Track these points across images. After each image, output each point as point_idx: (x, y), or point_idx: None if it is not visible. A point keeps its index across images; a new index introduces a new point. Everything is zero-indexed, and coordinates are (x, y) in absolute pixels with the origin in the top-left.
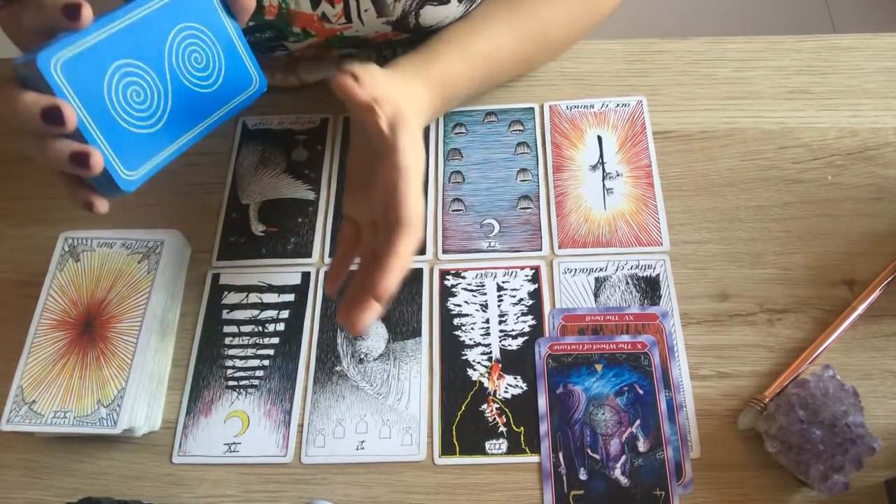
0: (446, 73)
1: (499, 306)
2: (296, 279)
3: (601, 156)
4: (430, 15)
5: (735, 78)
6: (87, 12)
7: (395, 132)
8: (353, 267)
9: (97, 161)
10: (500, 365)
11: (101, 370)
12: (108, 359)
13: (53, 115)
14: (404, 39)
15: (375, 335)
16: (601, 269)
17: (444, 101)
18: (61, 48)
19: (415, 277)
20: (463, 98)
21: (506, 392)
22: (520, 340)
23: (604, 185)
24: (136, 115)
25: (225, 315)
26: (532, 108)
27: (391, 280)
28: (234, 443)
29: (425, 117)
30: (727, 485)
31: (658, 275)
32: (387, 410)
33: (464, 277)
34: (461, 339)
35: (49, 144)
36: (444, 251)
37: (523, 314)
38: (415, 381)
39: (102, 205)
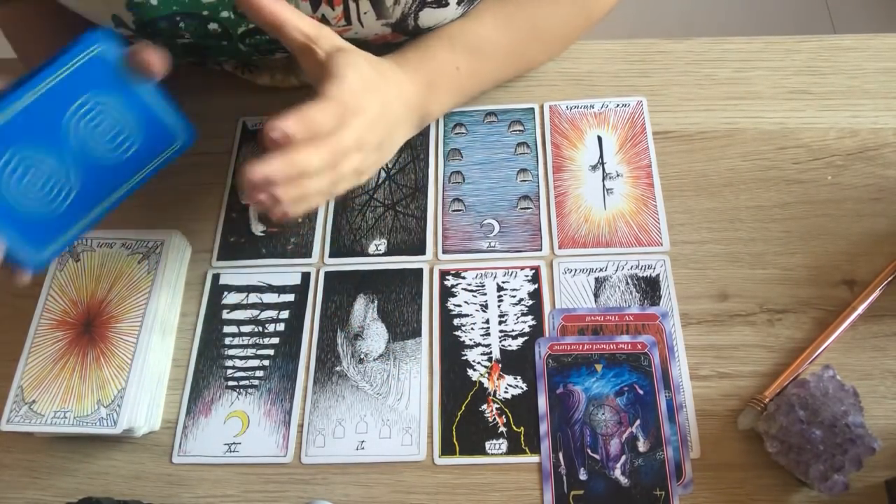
0: (426, 55)
1: (499, 306)
2: (296, 279)
3: (601, 156)
4: (429, 17)
5: (735, 78)
6: None
7: (335, 66)
8: None
9: None
10: (500, 365)
11: (101, 370)
12: (108, 359)
13: None
14: (404, 42)
15: (375, 335)
16: (601, 270)
17: (428, 84)
18: None
19: (415, 277)
20: (454, 89)
21: (506, 392)
22: (520, 340)
23: (604, 186)
24: (38, 198)
25: (225, 315)
26: (532, 109)
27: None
28: (234, 443)
29: (409, 96)
30: (727, 485)
31: (658, 275)
32: (387, 410)
33: (464, 277)
34: (461, 340)
35: None
36: (444, 251)
37: (523, 314)
38: (415, 381)
39: (21, 279)
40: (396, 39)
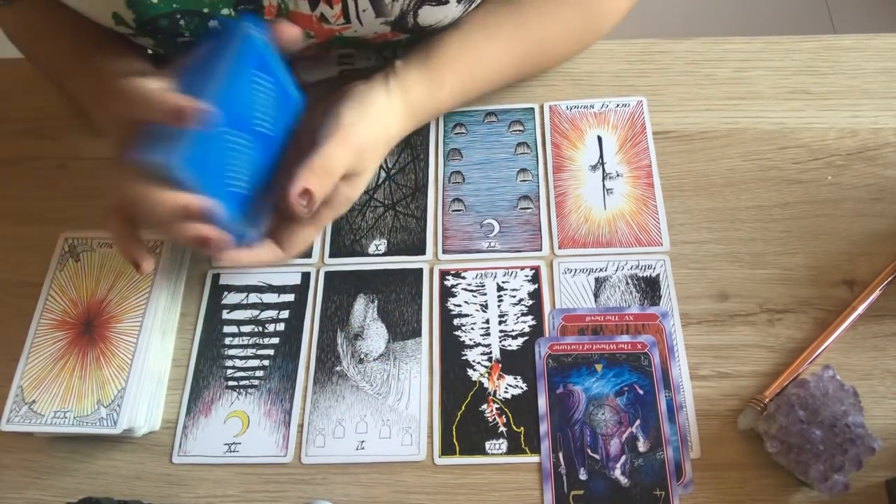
0: (439, 106)
1: (499, 306)
2: (296, 279)
3: (601, 156)
4: (429, 15)
5: (735, 78)
6: (205, 116)
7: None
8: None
9: (219, 245)
10: (500, 365)
11: (101, 370)
12: (108, 359)
13: (194, 213)
14: (403, 40)
15: (375, 335)
16: (601, 270)
17: (419, 122)
18: (180, 145)
19: (415, 277)
20: (449, 107)
21: (506, 392)
22: (520, 340)
23: (604, 186)
24: (242, 177)
25: (225, 315)
26: (532, 109)
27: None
28: (234, 443)
29: (391, 145)
30: (727, 485)
31: (658, 275)
32: (387, 410)
33: (464, 277)
34: (461, 340)
35: (175, 227)
36: (444, 251)
37: (523, 314)
38: (415, 381)
39: (220, 251)
40: (396, 37)
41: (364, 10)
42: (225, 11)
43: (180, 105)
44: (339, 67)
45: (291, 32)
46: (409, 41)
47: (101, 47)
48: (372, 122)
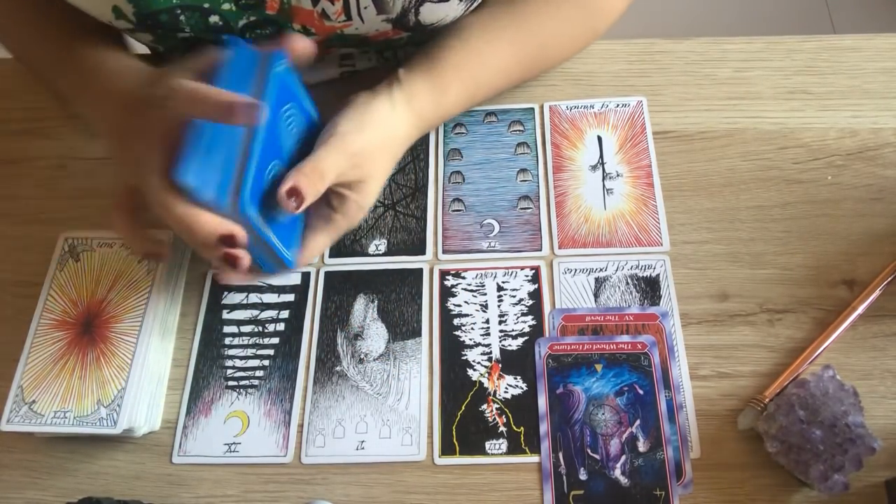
0: (445, 112)
1: (499, 306)
2: (296, 279)
3: (601, 156)
4: (430, 13)
5: (735, 78)
6: (261, 114)
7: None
8: None
9: (245, 265)
10: (500, 365)
11: (101, 370)
12: (108, 359)
13: (231, 241)
14: (405, 39)
15: (375, 335)
16: (601, 270)
17: (425, 129)
18: (243, 182)
19: (415, 277)
20: (450, 114)
21: (506, 392)
22: (520, 340)
23: (604, 186)
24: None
25: (225, 315)
26: (532, 109)
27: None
28: (234, 443)
29: (398, 153)
30: (727, 485)
31: (658, 275)
32: (387, 410)
33: (464, 277)
34: (461, 339)
35: (209, 249)
36: (444, 251)
37: (523, 314)
38: (415, 381)
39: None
40: (397, 35)
41: (366, 7)
42: (226, 6)
43: (230, 100)
44: (339, 69)
45: (305, 47)
46: (410, 40)
47: (90, 43)
48: (370, 130)
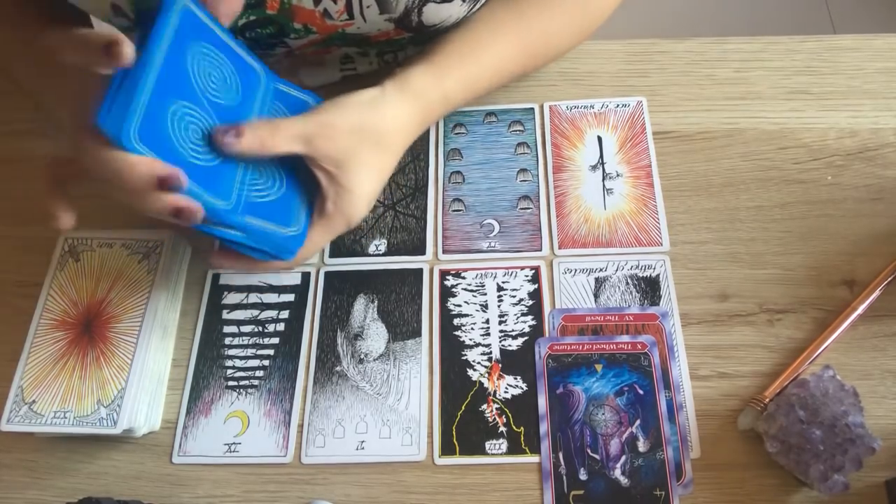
0: (446, 97)
1: (499, 306)
2: (296, 279)
3: (601, 156)
4: (433, 13)
5: (735, 78)
6: (128, 50)
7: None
8: None
9: (196, 216)
10: (500, 365)
11: (101, 370)
12: (108, 359)
13: (168, 183)
14: (406, 39)
15: (375, 335)
16: (601, 270)
17: (428, 111)
18: (129, 114)
19: (415, 277)
20: (452, 108)
21: (506, 392)
22: (520, 340)
23: (604, 186)
24: (202, 150)
25: (225, 315)
26: (532, 109)
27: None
28: (234, 443)
29: (404, 144)
30: (727, 485)
31: (658, 275)
32: (387, 410)
33: (464, 277)
34: (461, 340)
35: (150, 198)
36: (445, 251)
37: (523, 314)
38: (415, 381)
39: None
40: (399, 36)
41: (368, 7)
42: None
43: (103, 40)
44: (341, 73)
45: (229, 4)
46: (412, 41)
47: (47, 25)
48: (347, 109)
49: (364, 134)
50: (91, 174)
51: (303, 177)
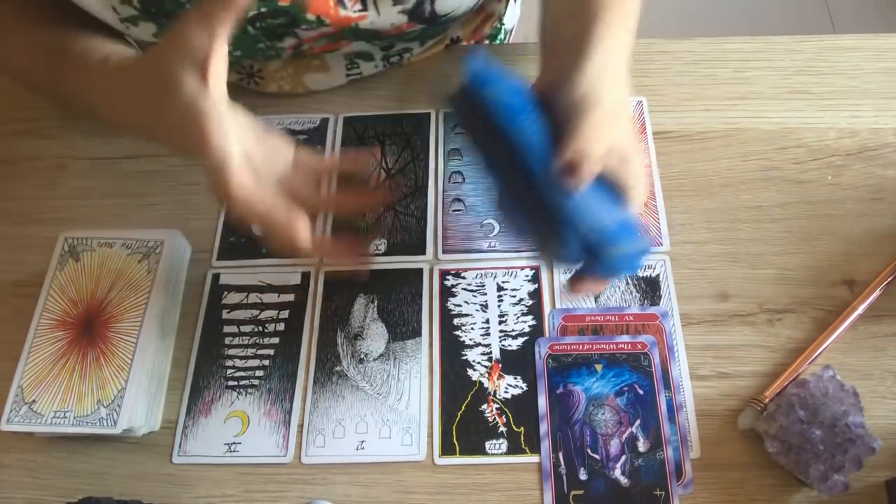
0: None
1: (499, 306)
2: (296, 279)
3: None
4: (446, 2)
5: (735, 78)
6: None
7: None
8: None
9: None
10: (500, 365)
11: (101, 370)
12: (108, 359)
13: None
14: (417, 33)
15: (375, 335)
16: None
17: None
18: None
19: (415, 277)
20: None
21: (506, 392)
22: (520, 340)
23: None
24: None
25: (225, 315)
26: None
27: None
28: (234, 443)
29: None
30: (727, 485)
31: (658, 275)
32: (387, 410)
33: (464, 277)
34: (461, 339)
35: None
36: (445, 251)
37: (523, 314)
38: (415, 381)
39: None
40: (411, 28)
41: None
42: None
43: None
44: (347, 77)
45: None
46: (422, 33)
47: (91, 45)
48: (600, 106)
49: (615, 111)
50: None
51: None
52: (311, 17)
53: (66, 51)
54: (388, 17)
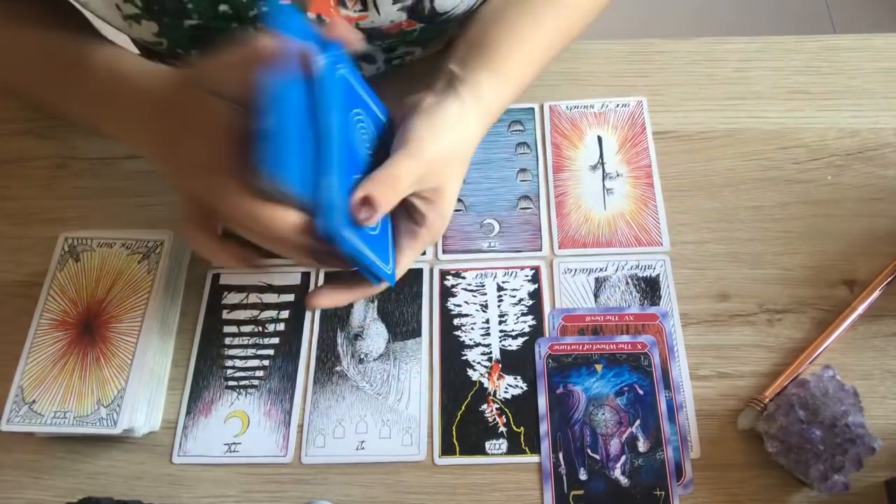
0: (507, 102)
1: (499, 306)
2: (296, 279)
3: (601, 156)
4: (446, 0)
5: (735, 78)
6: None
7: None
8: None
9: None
10: (500, 365)
11: (101, 370)
12: (108, 359)
13: (335, 265)
14: (417, 33)
15: (375, 335)
16: (601, 270)
17: (491, 123)
18: (335, 205)
19: (415, 277)
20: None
21: (506, 392)
22: (520, 340)
23: (604, 186)
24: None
25: (225, 315)
26: (532, 109)
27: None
28: (234, 443)
29: (470, 153)
30: (727, 485)
31: (658, 275)
32: (387, 410)
33: (464, 277)
34: (461, 339)
35: (287, 247)
36: (445, 251)
37: (523, 314)
38: (415, 381)
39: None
40: (411, 27)
41: None
42: None
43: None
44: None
45: (349, 37)
46: (421, 34)
47: (98, 58)
48: (445, 133)
49: (457, 157)
50: (225, 219)
51: None
52: (311, 16)
53: (52, 46)
54: (388, 14)
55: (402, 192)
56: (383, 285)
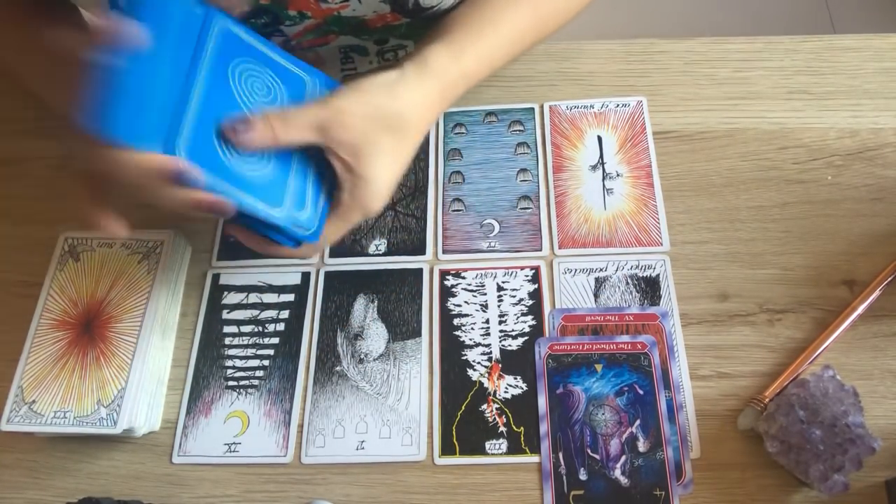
0: (466, 73)
1: (499, 306)
2: (296, 279)
3: (601, 156)
4: None
5: (735, 78)
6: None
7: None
8: None
9: (226, 209)
10: (500, 365)
11: (101, 370)
12: (108, 359)
13: (182, 178)
14: (404, 27)
15: (375, 335)
16: (601, 270)
17: (448, 91)
18: (177, 129)
19: (415, 277)
20: (472, 86)
21: (506, 392)
22: (520, 340)
23: (604, 186)
24: (251, 161)
25: (225, 315)
26: (532, 109)
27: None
28: (234, 443)
29: (426, 126)
30: (727, 485)
31: (658, 275)
32: (387, 410)
33: (464, 277)
34: (461, 340)
35: (172, 194)
36: (444, 251)
37: (523, 314)
38: (415, 381)
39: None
40: (396, 21)
41: None
42: None
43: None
44: (342, 73)
45: (231, 2)
46: (408, 29)
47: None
48: (365, 93)
49: (382, 120)
50: (102, 175)
51: (323, 167)
52: (292, 12)
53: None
54: (371, 5)
55: (297, 131)
56: (310, 251)
